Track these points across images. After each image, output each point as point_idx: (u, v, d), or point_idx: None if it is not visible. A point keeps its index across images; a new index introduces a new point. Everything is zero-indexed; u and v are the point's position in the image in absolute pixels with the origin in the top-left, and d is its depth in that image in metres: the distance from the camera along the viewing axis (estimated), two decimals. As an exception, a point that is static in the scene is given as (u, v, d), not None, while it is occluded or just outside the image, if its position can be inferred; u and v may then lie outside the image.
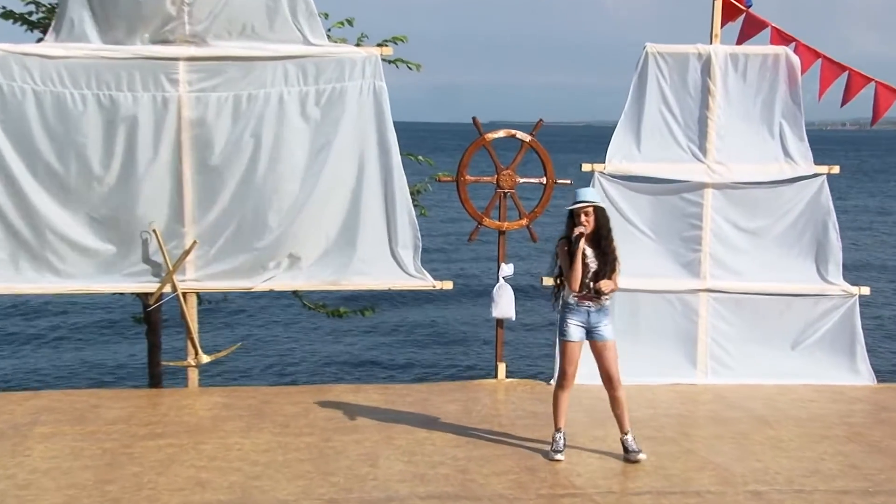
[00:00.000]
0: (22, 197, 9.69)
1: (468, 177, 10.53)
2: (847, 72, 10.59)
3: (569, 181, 10.78)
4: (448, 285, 10.54)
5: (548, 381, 10.52)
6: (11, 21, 11.92)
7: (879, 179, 74.20)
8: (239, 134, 9.91)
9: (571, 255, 7.85)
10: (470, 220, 10.74)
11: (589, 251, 7.86)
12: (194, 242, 9.94)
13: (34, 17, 12.05)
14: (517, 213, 10.72)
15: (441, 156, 12.97)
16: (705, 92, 10.54)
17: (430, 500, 7.11)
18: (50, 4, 11.88)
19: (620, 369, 8.10)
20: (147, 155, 9.82)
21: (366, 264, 10.19)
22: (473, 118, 10.50)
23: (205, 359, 10.18)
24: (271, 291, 10.43)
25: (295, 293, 11.82)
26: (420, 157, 12.71)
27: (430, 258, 19.89)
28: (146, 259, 9.99)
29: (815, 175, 10.70)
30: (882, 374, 11.40)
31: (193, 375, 10.19)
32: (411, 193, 10.58)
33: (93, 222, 9.85)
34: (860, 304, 10.86)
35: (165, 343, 12.31)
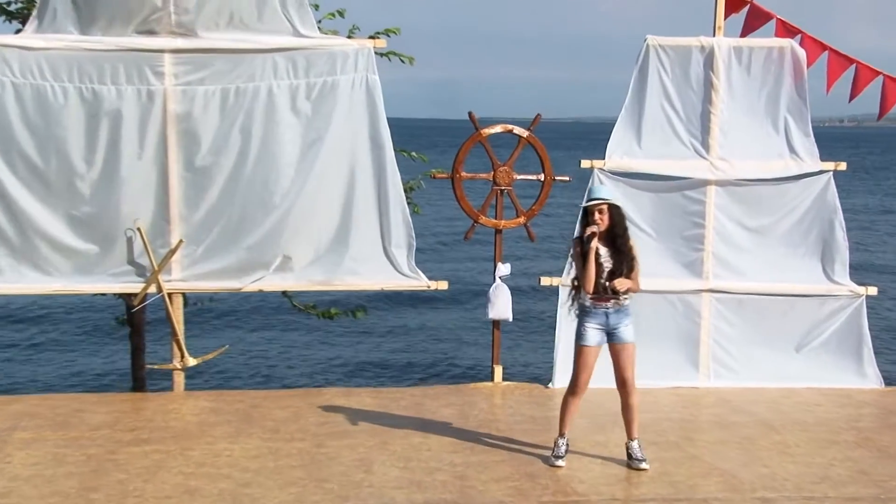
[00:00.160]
0: (1, 193, 9.60)
1: (464, 173, 10.46)
2: (854, 65, 10.54)
3: (567, 178, 10.74)
4: (443, 285, 10.49)
5: (546, 384, 10.47)
6: (-11, 12, 11.83)
7: (880, 177, 74.46)
8: (227, 129, 9.84)
9: (584, 256, 7.76)
10: (465, 218, 10.68)
11: (603, 250, 7.76)
12: (180, 241, 9.86)
13: (13, 7, 11.97)
14: (514, 211, 10.65)
15: (432, 153, 12.89)
16: (708, 86, 10.49)
17: (428, 507, 7.06)
18: (30, -7, 11.78)
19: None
20: (131, 150, 9.74)
21: (358, 264, 10.13)
22: (469, 113, 10.43)
23: (191, 362, 10.11)
24: (260, 292, 10.37)
25: (284, 294, 11.75)
26: (413, 154, 12.64)
27: (425, 257, 19.79)
28: (130, 258, 9.91)
29: (822, 172, 10.66)
30: (890, 378, 11.34)
31: (179, 379, 10.11)
32: (404, 190, 10.50)
33: (74, 220, 9.76)
34: (867, 305, 10.81)
35: (150, 346, 12.24)
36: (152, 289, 9.94)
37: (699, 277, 10.63)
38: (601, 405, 9.10)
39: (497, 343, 10.69)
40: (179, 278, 10.00)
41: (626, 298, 7.82)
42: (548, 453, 8.14)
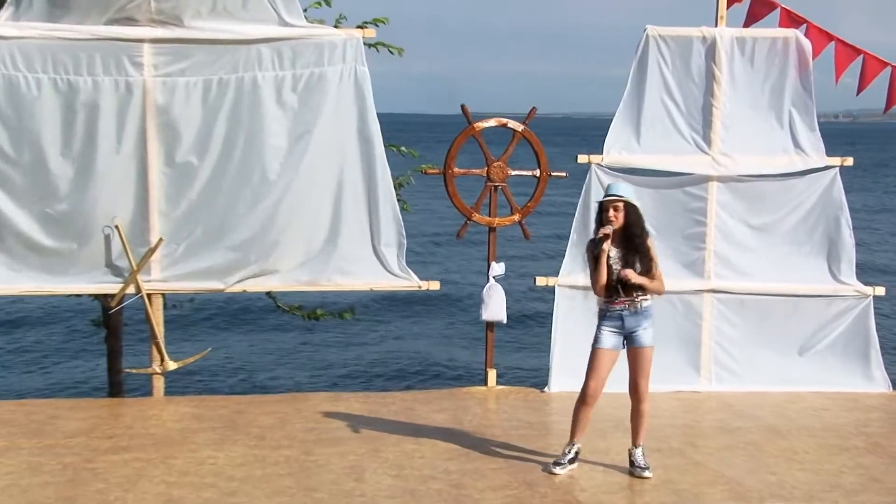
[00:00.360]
0: (-28, 189, 9.50)
1: (456, 169, 10.39)
2: (862, 56, 10.51)
3: (564, 174, 10.68)
4: (435, 286, 10.42)
5: (542, 388, 10.41)
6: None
7: (878, 174, 74.74)
8: (209, 122, 9.76)
9: (596, 258, 7.71)
10: (458, 216, 10.62)
11: (614, 251, 7.67)
12: (160, 240, 9.77)
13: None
14: (509, 209, 10.58)
15: (418, 148, 12.89)
16: (710, 78, 10.45)
17: (423, 517, 7.01)
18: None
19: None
20: (109, 144, 9.64)
21: (346, 263, 10.06)
22: (462, 106, 10.37)
23: (171, 365, 10.01)
24: (244, 292, 10.29)
25: (268, 294, 11.67)
26: (403, 148, 12.56)
27: (416, 257, 19.76)
28: (108, 257, 9.82)
29: (827, 167, 10.63)
30: (898, 381, 11.32)
31: (159, 383, 10.02)
32: (394, 187, 10.43)
33: (48, 217, 9.66)
34: (874, 306, 10.79)
35: (127, 349, 12.13)
36: (131, 289, 9.84)
37: (700, 277, 10.60)
38: (601, 410, 8.93)
39: (490, 346, 10.64)
40: (159, 278, 9.92)
41: (644, 300, 7.73)
42: (546, 460, 8.10)
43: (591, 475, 7.87)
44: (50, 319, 21.74)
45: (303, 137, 9.83)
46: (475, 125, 10.31)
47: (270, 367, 18.53)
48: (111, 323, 11.79)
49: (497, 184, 10.42)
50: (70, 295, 10.95)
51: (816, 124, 10.61)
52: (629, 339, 7.83)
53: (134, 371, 10.55)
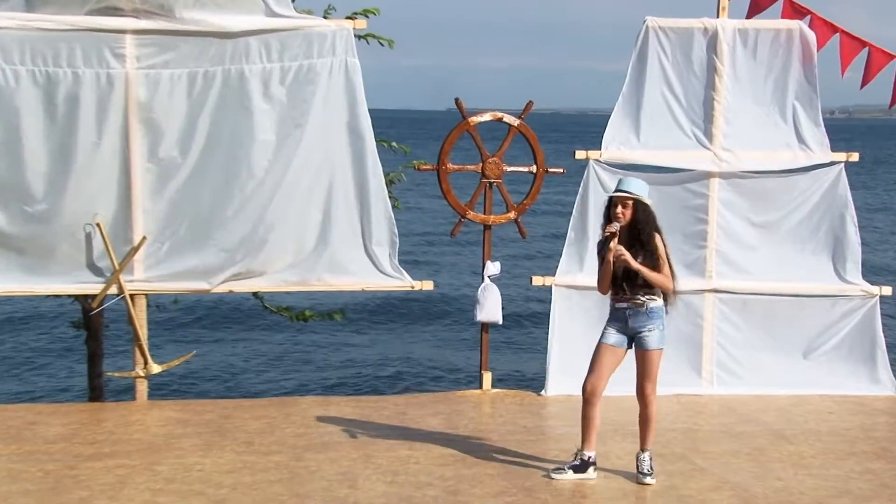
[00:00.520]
0: (-53, 186, 9.42)
1: (450, 165, 10.35)
2: (867, 48, 10.50)
3: (561, 170, 10.66)
4: (428, 286, 10.40)
5: (538, 392, 10.38)
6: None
7: (877, 172, 74.92)
8: (194, 116, 9.69)
9: (603, 256, 7.69)
10: (452, 214, 10.58)
11: (628, 255, 7.63)
12: (143, 238, 9.70)
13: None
14: (504, 206, 10.56)
15: (405, 145, 12.90)
16: (711, 71, 10.43)
17: (419, 525, 6.97)
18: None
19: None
20: (90, 139, 9.57)
21: (337, 263, 10.02)
22: (456, 100, 10.32)
23: (155, 369, 9.95)
24: (230, 293, 10.24)
25: (255, 295, 11.60)
26: (394, 144, 12.51)
27: (408, 256, 19.65)
28: (89, 257, 9.75)
29: (832, 163, 10.62)
30: (906, 384, 11.30)
31: (142, 387, 9.96)
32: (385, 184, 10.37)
33: (26, 214, 9.58)
34: (881, 306, 10.79)
35: (108, 351, 12.05)
36: (113, 290, 9.77)
37: (702, 277, 10.57)
38: (601, 413, 8.96)
39: (485, 348, 10.60)
40: (142, 278, 9.85)
41: (651, 300, 7.68)
42: (544, 465, 8.08)
43: (592, 481, 7.83)
44: (27, 321, 21.61)
45: (292, 133, 9.77)
46: (469, 120, 10.27)
47: (257, 371, 18.46)
48: (92, 325, 11.71)
49: (492, 180, 10.38)
50: (49, 296, 10.86)
51: (821, 119, 10.59)
52: (635, 342, 7.79)
53: (116, 375, 10.49)
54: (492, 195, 10.43)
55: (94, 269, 9.77)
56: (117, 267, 9.66)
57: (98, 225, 9.59)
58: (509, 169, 10.48)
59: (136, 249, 9.68)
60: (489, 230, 10.54)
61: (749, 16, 10.69)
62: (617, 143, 10.42)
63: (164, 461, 8.06)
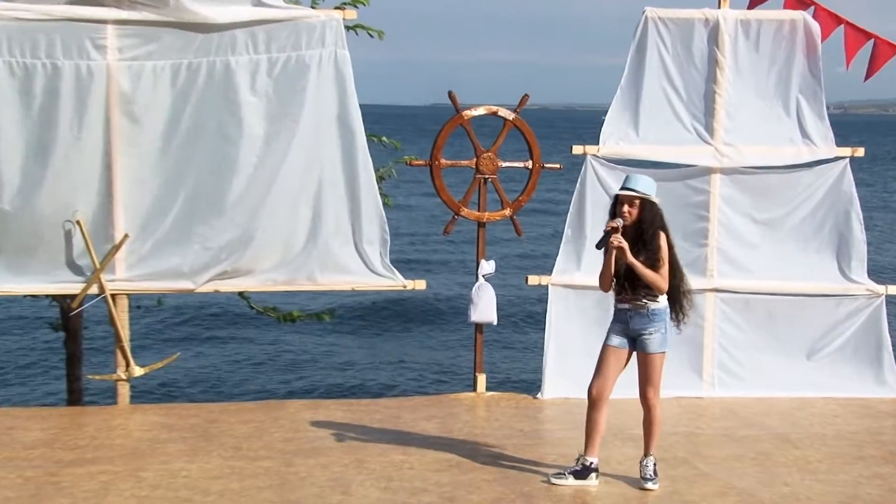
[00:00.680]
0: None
1: (443, 160, 10.31)
2: (872, 39, 10.49)
3: (558, 165, 10.64)
4: (421, 285, 10.36)
5: (534, 395, 10.35)
6: None
7: (876, 169, 75.12)
8: (178, 110, 9.64)
9: (605, 252, 7.67)
10: (445, 210, 10.53)
11: (626, 245, 7.59)
12: (125, 236, 9.64)
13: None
14: (499, 202, 10.52)
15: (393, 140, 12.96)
16: (712, 63, 10.41)
17: (415, 533, 6.94)
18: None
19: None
20: (69, 133, 9.50)
21: (326, 262, 9.99)
22: (450, 93, 10.28)
23: (137, 371, 9.89)
24: (216, 293, 10.20)
25: (241, 294, 11.56)
26: (384, 139, 12.47)
27: (400, 254, 19.65)
28: (68, 255, 9.69)
29: (837, 158, 10.61)
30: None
31: (124, 391, 9.90)
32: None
33: (3, 212, 9.49)
34: (887, 306, 10.78)
35: (87, 354, 11.99)
36: (93, 289, 9.71)
37: (702, 276, 10.53)
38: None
39: (480, 349, 10.58)
40: (124, 277, 9.78)
41: (651, 301, 7.65)
42: (543, 471, 8.05)
43: (594, 487, 7.80)
44: (2, 322, 21.54)
45: (280, 127, 9.71)
46: (463, 114, 10.23)
47: (243, 374, 18.44)
48: (70, 326, 11.65)
49: (487, 176, 10.35)
50: (27, 296, 10.79)
51: (825, 112, 10.59)
52: (637, 344, 7.77)
53: (97, 377, 10.40)
54: (486, 191, 10.40)
55: (74, 268, 9.71)
56: (98, 266, 9.60)
57: (78, 222, 9.53)
58: (504, 164, 10.45)
59: (117, 247, 9.62)
60: (483, 228, 10.51)
61: (751, 6, 10.69)
62: (615, 138, 10.39)
63: (149, 467, 8.01)
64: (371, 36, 11.97)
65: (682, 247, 10.34)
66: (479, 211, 10.43)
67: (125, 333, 9.84)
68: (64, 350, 12.00)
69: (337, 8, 10.44)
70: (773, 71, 10.50)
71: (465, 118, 10.25)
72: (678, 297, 7.83)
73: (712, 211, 10.51)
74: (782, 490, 7.84)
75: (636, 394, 7.92)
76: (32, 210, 9.52)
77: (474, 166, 10.35)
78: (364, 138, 9.97)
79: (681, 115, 10.47)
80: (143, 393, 12.92)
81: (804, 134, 10.54)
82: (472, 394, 10.46)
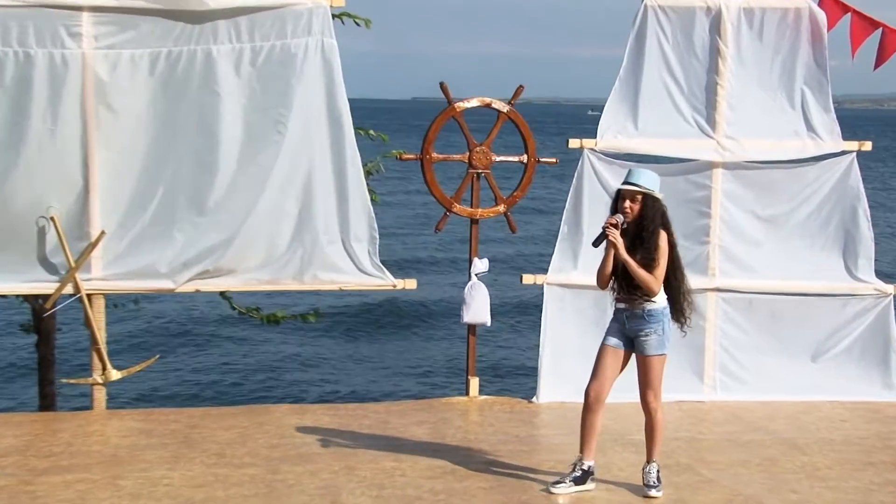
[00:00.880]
0: None
1: (435, 154, 10.26)
2: (881, 28, 10.47)
3: (554, 160, 10.59)
4: (411, 284, 10.31)
5: (529, 399, 10.31)
6: None
7: (872, 165, 75.34)
8: (157, 100, 9.57)
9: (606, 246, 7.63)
10: (437, 206, 10.48)
11: (620, 241, 7.55)
12: (102, 233, 9.57)
13: None
14: (493, 198, 10.48)
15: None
16: (714, 54, 10.38)
17: (410, 543, 6.90)
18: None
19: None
20: (43, 125, 9.42)
21: (313, 260, 9.93)
22: (441, 84, 10.23)
23: (114, 375, 9.81)
24: (196, 293, 10.16)
25: (222, 294, 11.47)
26: (371, 132, 12.41)
27: (389, 252, 19.56)
28: (41, 253, 9.60)
29: (844, 152, 10.60)
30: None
31: (100, 395, 9.82)
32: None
33: (-29, 209, 9.41)
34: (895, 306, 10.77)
35: (60, 357, 11.90)
36: (68, 289, 9.62)
37: (704, 275, 10.50)
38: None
39: (472, 351, 10.53)
40: (101, 276, 9.71)
41: (647, 301, 7.60)
42: (540, 478, 8.00)
43: (594, 494, 7.78)
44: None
45: (264, 119, 9.65)
46: (456, 105, 10.18)
47: (225, 377, 18.38)
48: (43, 328, 11.55)
49: (480, 171, 10.31)
50: (-2, 297, 10.72)
51: (831, 105, 10.57)
52: (634, 346, 7.73)
53: (72, 381, 10.32)
54: (479, 186, 10.35)
55: (48, 267, 9.63)
56: (73, 264, 9.52)
57: (52, 218, 9.44)
58: (498, 158, 10.40)
59: (94, 245, 9.54)
60: (476, 224, 10.47)
61: (755, -6, 10.64)
62: (613, 132, 10.35)
63: (128, 475, 7.93)
64: (358, 25, 11.90)
65: (682, 244, 10.24)
66: (471, 207, 10.38)
67: (101, 335, 9.76)
68: (36, 353, 11.90)
69: (323, -5, 10.36)
70: (777, 61, 10.48)
71: (458, 110, 10.20)
72: (678, 298, 7.79)
73: (714, 207, 10.48)
74: (791, 497, 7.82)
75: (636, 397, 7.88)
76: (3, 205, 9.44)
77: (467, 160, 10.31)
78: (352, 131, 9.93)
79: (681, 107, 10.44)
80: (121, 397, 12.85)
81: (809, 127, 10.52)
82: (465, 398, 10.42)
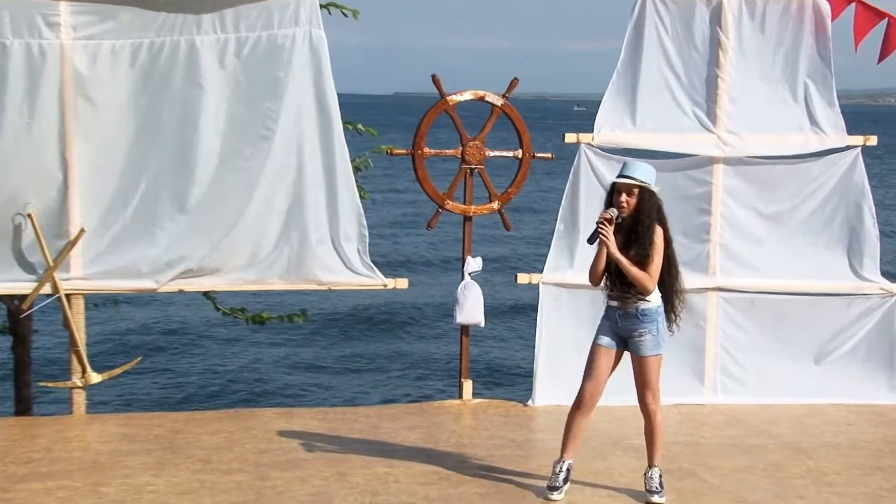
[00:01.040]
0: None
1: (427, 149, 10.22)
2: (886, 19, 10.45)
3: (550, 155, 10.57)
4: (402, 284, 10.32)
5: (524, 402, 10.28)
6: None
7: (868, 162, 75.64)
8: (138, 93, 9.52)
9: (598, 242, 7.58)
10: (429, 203, 10.45)
11: (614, 238, 7.52)
12: (81, 230, 9.51)
13: None
14: (487, 195, 10.43)
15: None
16: (715, 45, 10.35)
17: (406, 552, 6.86)
18: None
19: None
20: (19, 119, 9.36)
21: (300, 260, 9.89)
22: (433, 76, 10.18)
23: (95, 378, 9.75)
24: (180, 293, 10.11)
25: (206, 295, 11.42)
26: (360, 126, 12.36)
27: (380, 251, 19.51)
28: (18, 252, 9.54)
29: (848, 147, 10.60)
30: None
31: (79, 399, 9.76)
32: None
33: (-55, 206, 9.35)
34: (900, 306, 10.74)
35: (37, 358, 11.83)
36: (46, 289, 9.56)
37: (704, 274, 10.50)
38: (596, 425, 8.90)
39: (465, 353, 10.51)
40: (80, 276, 9.65)
41: (641, 300, 7.56)
42: (538, 483, 7.97)
43: (595, 500, 7.76)
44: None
45: (250, 112, 9.61)
46: (448, 99, 10.14)
47: (209, 380, 18.34)
48: (19, 329, 11.46)
49: (473, 166, 10.26)
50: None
51: (836, 98, 10.56)
52: (628, 347, 7.70)
53: (50, 385, 10.26)
54: (473, 182, 10.31)
55: (25, 266, 9.57)
56: (51, 263, 9.46)
57: (29, 215, 9.39)
58: (492, 154, 10.36)
59: (73, 243, 9.48)
60: (470, 222, 10.43)
61: (757, -16, 10.63)
62: (611, 126, 10.32)
63: (111, 482, 7.88)
64: (345, 15, 11.86)
65: (682, 243, 10.34)
66: (464, 204, 10.34)
67: (81, 337, 9.71)
68: (11, 355, 11.81)
69: (310, -15, 10.31)
70: (780, 53, 10.46)
71: (450, 104, 10.16)
72: (671, 296, 7.75)
73: (714, 204, 10.46)
74: (798, 503, 7.79)
75: (633, 400, 7.86)
76: (-25, 202, 9.38)
77: (460, 156, 10.26)
78: (341, 125, 9.89)
79: (681, 100, 10.42)
80: (101, 401, 12.78)
81: (813, 121, 10.51)
82: (458, 401, 10.39)
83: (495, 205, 10.44)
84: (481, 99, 10.33)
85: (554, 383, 10.13)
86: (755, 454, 8.94)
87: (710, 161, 10.43)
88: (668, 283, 7.70)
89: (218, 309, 12.25)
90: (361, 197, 10.63)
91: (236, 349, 20.30)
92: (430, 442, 9.04)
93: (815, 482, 8.28)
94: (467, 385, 10.41)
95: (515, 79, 10.42)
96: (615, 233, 7.51)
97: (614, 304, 7.66)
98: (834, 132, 10.53)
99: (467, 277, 10.29)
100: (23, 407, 11.59)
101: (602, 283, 7.74)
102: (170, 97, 9.54)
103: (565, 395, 9.71)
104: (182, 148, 9.56)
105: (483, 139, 10.27)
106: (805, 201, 10.61)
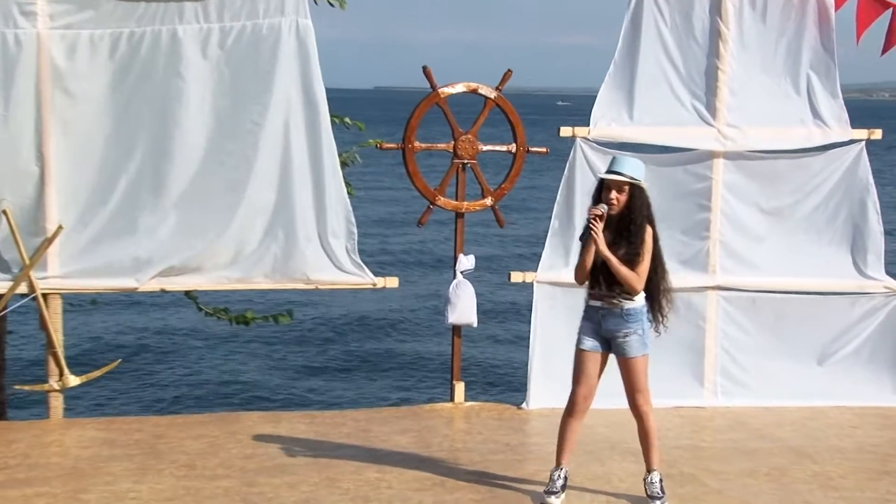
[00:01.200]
0: None
1: (417, 143, 10.17)
2: (891, 9, 10.44)
3: (544, 149, 10.53)
4: (392, 283, 10.29)
5: (518, 405, 10.25)
6: None
7: (874, 160, 76.01)
8: (118, 84, 9.48)
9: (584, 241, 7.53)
10: (420, 199, 10.42)
11: (603, 236, 7.46)
12: (59, 227, 9.46)
13: None
14: (480, 190, 10.39)
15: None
16: (715, 37, 10.33)
17: (400, 560, 6.82)
18: None
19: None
20: (-6, 112, 9.31)
21: (287, 258, 9.84)
22: (424, 68, 10.14)
23: (73, 381, 9.70)
24: (162, 292, 10.06)
25: (188, 294, 11.35)
26: (347, 120, 12.31)
27: (369, 248, 19.44)
28: None
29: (852, 141, 10.59)
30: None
31: (57, 403, 9.71)
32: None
33: (-84, 202, 9.30)
34: (906, 305, 10.74)
35: (12, 361, 11.75)
36: (22, 289, 9.50)
37: (704, 272, 10.49)
38: (592, 429, 8.95)
39: (457, 354, 10.49)
40: (58, 275, 9.60)
41: (626, 299, 7.52)
42: (534, 488, 7.94)
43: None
44: None
45: (234, 105, 9.57)
46: (440, 91, 10.10)
47: (191, 383, 18.31)
48: (-8, 331, 11.39)
49: (466, 161, 10.23)
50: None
51: (839, 90, 10.54)
52: (613, 348, 7.67)
53: (27, 388, 10.19)
54: (465, 178, 10.27)
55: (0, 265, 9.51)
56: (28, 262, 9.41)
57: (4, 211, 9.35)
58: (485, 148, 10.32)
59: (50, 241, 9.43)
60: (462, 218, 10.41)
61: (758, -27, 10.61)
62: (608, 119, 10.29)
63: (92, 488, 7.82)
64: (332, 5, 11.86)
65: (680, 240, 10.40)
66: (457, 199, 10.29)
67: (58, 338, 9.65)
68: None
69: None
70: (782, 44, 10.44)
71: (442, 97, 10.11)
72: (658, 295, 7.71)
73: (714, 199, 10.44)
74: (804, 509, 7.80)
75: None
76: (-49, 199, 9.32)
77: (452, 150, 10.22)
78: (328, 117, 9.85)
79: (679, 93, 10.39)
80: (79, 405, 12.70)
81: (816, 114, 10.50)
82: (450, 404, 10.36)
83: (488, 201, 10.40)
84: (474, 91, 10.29)
85: (549, 385, 10.08)
86: (758, 458, 8.92)
87: (710, 155, 10.42)
88: (655, 282, 7.67)
89: (200, 309, 12.21)
90: (349, 194, 10.59)
91: (219, 351, 20.29)
92: (422, 446, 9.01)
93: (821, 487, 8.26)
94: (459, 387, 10.38)
95: (509, 70, 10.40)
96: (602, 229, 7.46)
97: (597, 303, 7.61)
98: (837, 125, 10.52)
99: (459, 276, 10.25)
100: (-3, 411, 11.53)
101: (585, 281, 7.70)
102: (151, 89, 9.49)
103: (561, 397, 9.66)
104: (164, 142, 9.52)
105: (476, 133, 10.22)
106: (808, 197, 10.59)
